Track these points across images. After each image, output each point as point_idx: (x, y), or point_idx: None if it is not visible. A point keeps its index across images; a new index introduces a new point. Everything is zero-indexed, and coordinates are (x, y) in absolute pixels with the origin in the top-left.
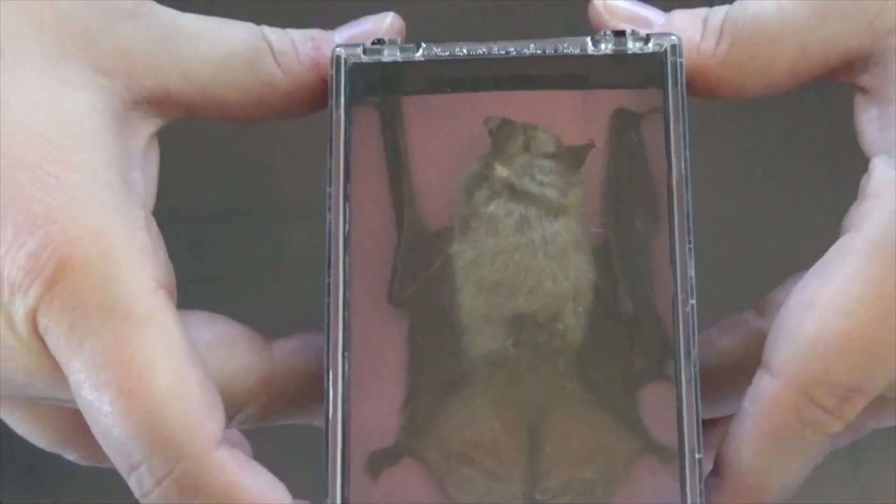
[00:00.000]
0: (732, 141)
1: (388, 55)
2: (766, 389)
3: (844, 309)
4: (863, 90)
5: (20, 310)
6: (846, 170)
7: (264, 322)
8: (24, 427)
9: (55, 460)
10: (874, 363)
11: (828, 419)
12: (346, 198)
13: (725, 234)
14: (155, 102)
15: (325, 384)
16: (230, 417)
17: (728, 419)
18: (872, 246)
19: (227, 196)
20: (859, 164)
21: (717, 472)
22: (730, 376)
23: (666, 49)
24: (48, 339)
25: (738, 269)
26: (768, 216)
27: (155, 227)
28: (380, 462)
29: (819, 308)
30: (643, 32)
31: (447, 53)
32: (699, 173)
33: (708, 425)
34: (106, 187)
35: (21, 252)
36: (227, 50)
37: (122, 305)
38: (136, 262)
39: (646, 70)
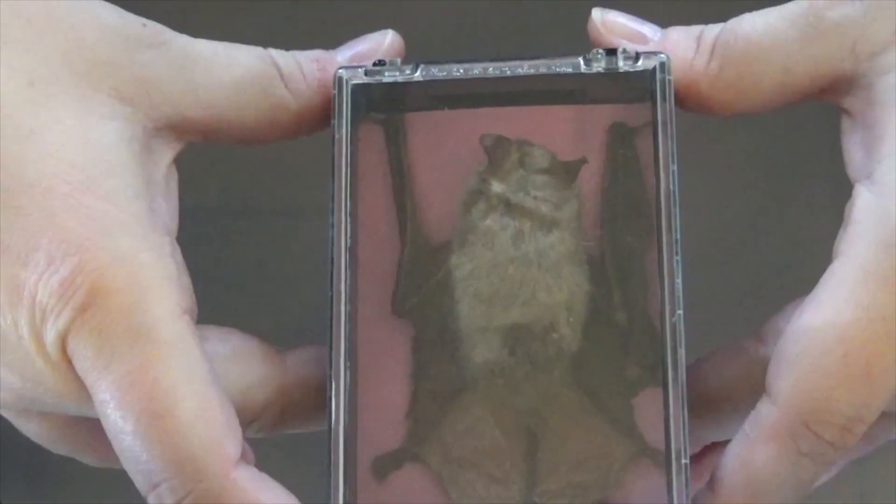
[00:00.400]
0: (732, 150)
1: (389, 76)
2: (766, 416)
3: (839, 335)
4: (848, 113)
5: (51, 333)
6: (849, 182)
7: (267, 320)
8: (41, 437)
9: (55, 460)
10: (872, 387)
11: (827, 450)
12: (349, 214)
13: (724, 242)
14: (173, 128)
15: (328, 394)
16: (245, 427)
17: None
18: (860, 272)
19: (230, 194)
20: None
21: (711, 487)
22: (731, 403)
23: (655, 67)
24: (75, 361)
25: (737, 278)
26: (769, 224)
27: (179, 253)
28: (385, 466)
29: (814, 335)
30: (633, 51)
31: (444, 73)
32: (698, 184)
33: (709, 449)
34: (134, 216)
35: (53, 278)
36: (239, 75)
37: (149, 331)
38: (162, 289)
39: (636, 87)
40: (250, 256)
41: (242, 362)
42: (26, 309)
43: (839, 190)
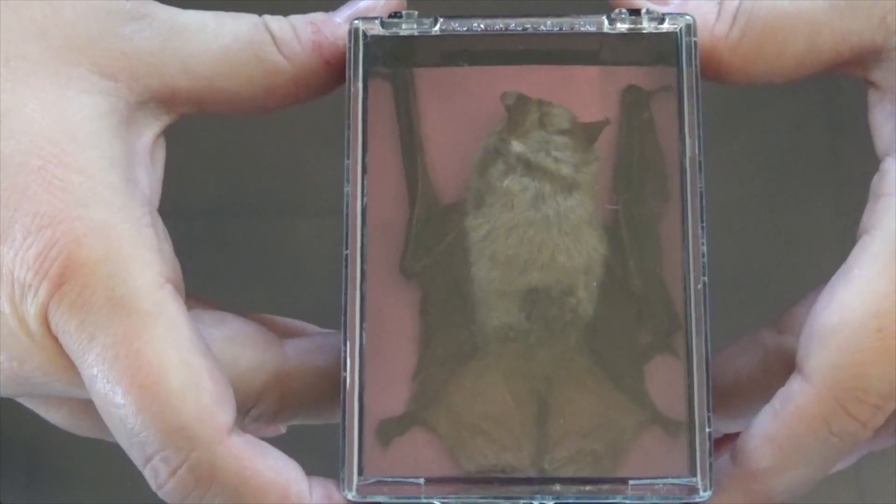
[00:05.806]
0: (734, 141)
1: (406, 29)
2: (797, 393)
3: (873, 309)
4: (875, 86)
5: (31, 309)
6: (850, 172)
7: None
8: (66, 423)
9: (55, 460)
10: None
11: (858, 429)
12: (364, 170)
13: (728, 233)
14: (160, 101)
15: (343, 355)
16: (243, 413)
17: None
18: (892, 245)
19: (232, 193)
20: (863, 164)
21: (732, 458)
22: (748, 395)
23: (681, 29)
24: (61, 337)
25: (751, 270)
26: (770, 215)
27: (160, 224)
28: (390, 431)
29: (847, 310)
30: (658, 12)
31: (464, 28)
32: (709, 175)
33: (723, 441)
34: (110, 187)
35: (29, 253)
36: (229, 43)
37: (130, 301)
38: (141, 258)
39: (661, 49)
40: (250, 256)
41: (238, 345)
42: (5, 286)
43: (845, 176)
